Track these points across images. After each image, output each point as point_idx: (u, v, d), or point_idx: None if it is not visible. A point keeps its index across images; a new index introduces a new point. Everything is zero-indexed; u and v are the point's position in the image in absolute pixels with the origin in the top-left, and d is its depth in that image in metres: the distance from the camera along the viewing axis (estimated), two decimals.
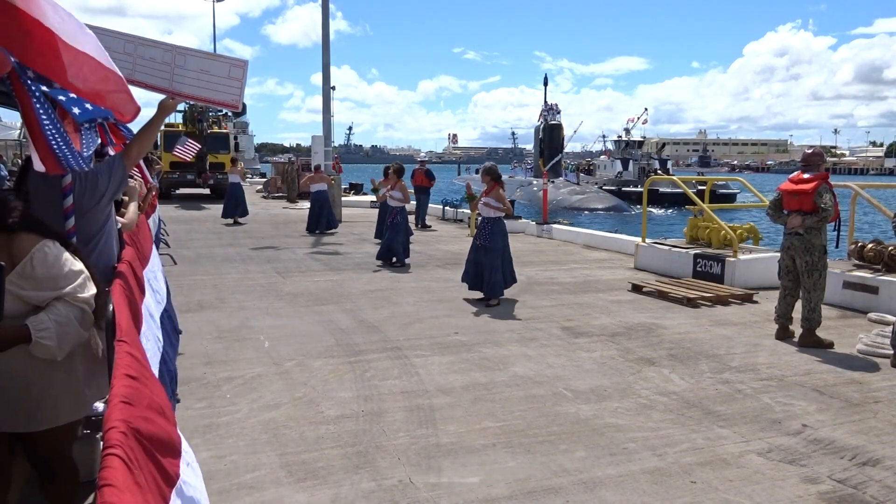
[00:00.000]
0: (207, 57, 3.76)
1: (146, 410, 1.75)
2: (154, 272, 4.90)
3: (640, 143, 61.14)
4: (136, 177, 5.17)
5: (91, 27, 3.76)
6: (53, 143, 2.47)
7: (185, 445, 1.91)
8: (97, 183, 3.53)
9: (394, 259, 11.05)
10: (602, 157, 64.75)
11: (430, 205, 18.66)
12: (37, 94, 2.40)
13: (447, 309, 7.86)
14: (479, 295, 8.32)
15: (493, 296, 8.10)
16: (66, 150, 2.53)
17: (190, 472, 1.85)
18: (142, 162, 6.00)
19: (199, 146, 16.88)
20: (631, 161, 54.16)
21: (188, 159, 15.58)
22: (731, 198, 40.20)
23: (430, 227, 17.07)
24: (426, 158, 25.21)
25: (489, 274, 8.06)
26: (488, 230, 8.18)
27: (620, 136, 61.66)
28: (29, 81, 2.37)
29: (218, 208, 19.18)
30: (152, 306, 3.79)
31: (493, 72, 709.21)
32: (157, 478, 1.58)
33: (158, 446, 1.69)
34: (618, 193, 46.88)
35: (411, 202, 13.49)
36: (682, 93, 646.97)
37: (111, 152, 4.57)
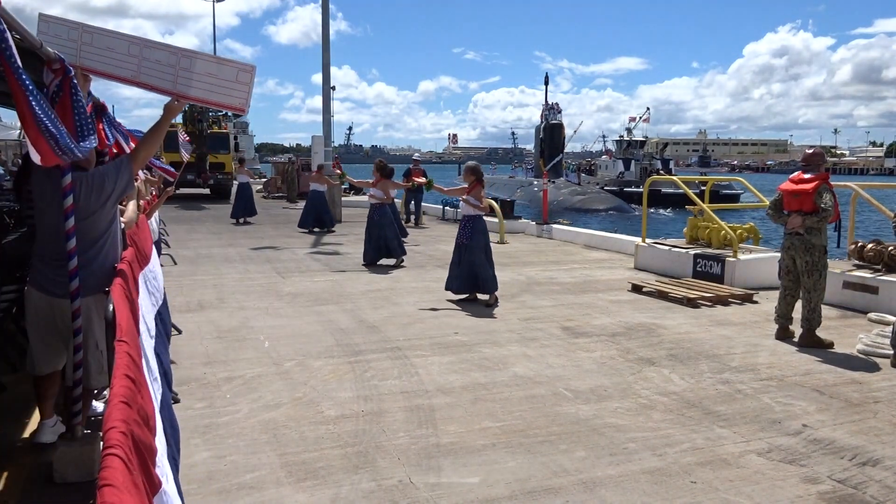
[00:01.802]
0: (216, 61, 3.83)
1: (138, 415, 1.76)
2: (154, 272, 4.89)
3: (643, 143, 60.93)
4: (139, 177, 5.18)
5: (96, 28, 3.79)
6: (47, 133, 2.47)
7: (158, 458, 1.91)
8: (104, 184, 3.55)
9: (400, 258, 11.06)
10: (604, 157, 64.58)
11: (430, 205, 18.75)
12: (30, 87, 2.41)
13: (447, 309, 7.86)
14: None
15: (488, 292, 8.11)
16: (59, 138, 2.53)
17: (164, 482, 1.86)
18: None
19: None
20: (633, 161, 53.96)
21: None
22: (734, 198, 40.00)
23: (424, 226, 17.21)
24: (419, 158, 25.45)
25: (480, 271, 8.06)
26: (469, 228, 8.21)
27: (622, 136, 61.51)
28: (23, 76, 2.38)
29: (218, 208, 19.20)
30: (146, 306, 3.79)
31: (493, 72, 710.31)
32: (144, 481, 1.59)
33: (146, 452, 1.69)
34: (619, 194, 46.76)
35: (396, 200, 13.51)
36: (682, 93, 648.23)
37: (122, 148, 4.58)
